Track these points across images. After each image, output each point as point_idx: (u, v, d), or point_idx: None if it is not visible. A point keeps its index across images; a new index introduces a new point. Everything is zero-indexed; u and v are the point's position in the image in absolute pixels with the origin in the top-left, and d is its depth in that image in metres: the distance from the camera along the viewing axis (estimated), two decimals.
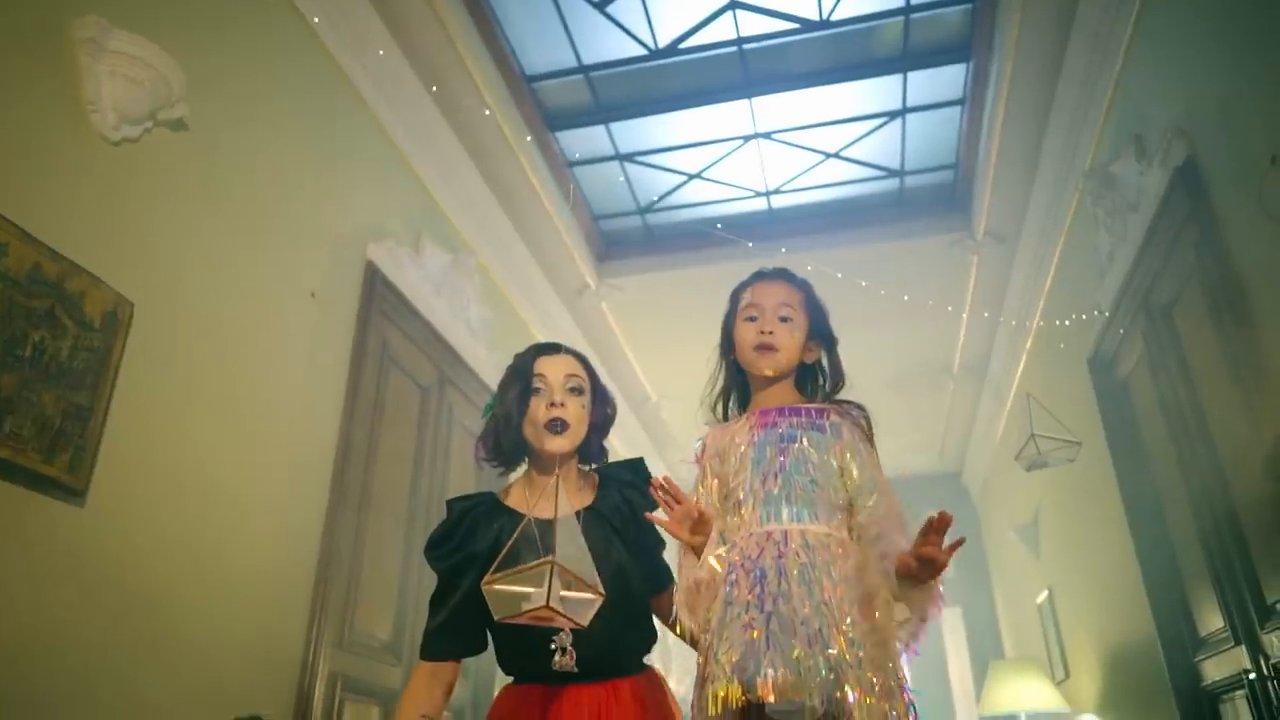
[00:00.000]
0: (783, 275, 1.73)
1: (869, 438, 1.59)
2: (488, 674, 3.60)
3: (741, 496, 1.53)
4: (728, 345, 1.73)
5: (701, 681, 1.43)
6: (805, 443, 1.54)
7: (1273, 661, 2.55)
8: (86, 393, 1.93)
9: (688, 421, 5.85)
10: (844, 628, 1.34)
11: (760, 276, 1.73)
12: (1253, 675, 2.66)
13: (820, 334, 1.69)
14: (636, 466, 1.80)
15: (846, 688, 1.30)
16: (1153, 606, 3.39)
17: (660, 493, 1.52)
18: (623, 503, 1.72)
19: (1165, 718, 3.35)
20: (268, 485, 2.57)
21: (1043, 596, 5.30)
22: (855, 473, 1.52)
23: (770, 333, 1.63)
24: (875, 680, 1.32)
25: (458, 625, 1.67)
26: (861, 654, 1.34)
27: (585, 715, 1.56)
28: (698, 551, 1.51)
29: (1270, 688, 2.56)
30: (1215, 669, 3.01)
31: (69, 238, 1.93)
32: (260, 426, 2.56)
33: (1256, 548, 2.60)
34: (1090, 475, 3.98)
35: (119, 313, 2.04)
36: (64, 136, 1.98)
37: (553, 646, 1.56)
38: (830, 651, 1.32)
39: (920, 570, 1.33)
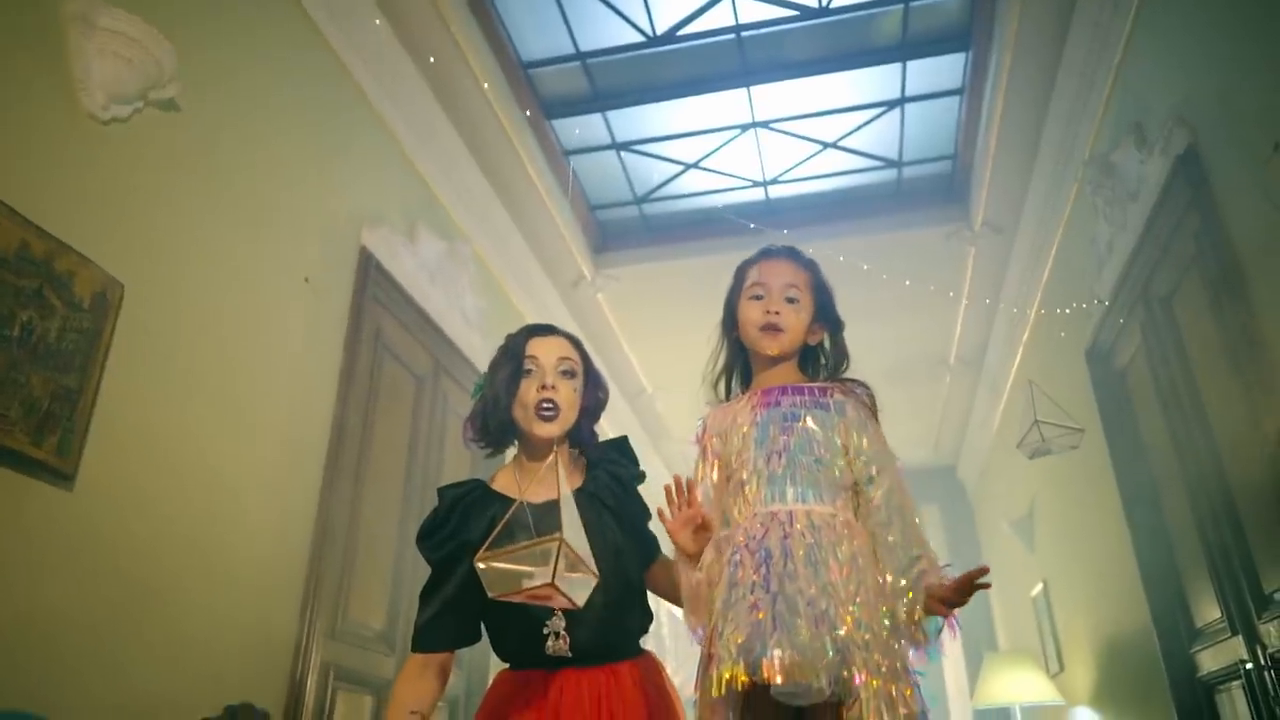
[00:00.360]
0: (790, 254, 1.69)
1: (874, 415, 1.57)
2: (482, 663, 3.58)
3: (745, 476, 1.51)
4: (730, 322, 1.69)
5: (706, 662, 1.41)
6: (809, 421, 1.52)
7: (1270, 652, 2.55)
8: (75, 374, 1.90)
9: (683, 413, 5.84)
10: (851, 609, 1.33)
11: (767, 254, 1.69)
12: (1249, 666, 2.65)
13: (826, 317, 1.66)
14: (622, 445, 1.80)
15: (853, 669, 1.29)
16: (1149, 597, 3.38)
17: (674, 491, 1.50)
18: (612, 480, 1.70)
19: (1161, 710, 3.35)
20: (260, 472, 2.54)
21: (1037, 589, 5.30)
22: (860, 451, 1.50)
23: (776, 313, 1.60)
24: (882, 662, 1.31)
25: (452, 615, 1.64)
26: (868, 636, 1.32)
27: (586, 700, 1.54)
28: (693, 559, 1.49)
29: (1267, 678, 2.55)
30: (1211, 660, 3.00)
31: (57, 217, 1.90)
32: (253, 412, 2.53)
33: (1254, 537, 2.59)
34: (1087, 466, 3.96)
35: (109, 294, 2.01)
36: (52, 115, 1.95)
37: (546, 631, 1.54)
38: (837, 633, 1.31)
39: (945, 609, 1.38)
